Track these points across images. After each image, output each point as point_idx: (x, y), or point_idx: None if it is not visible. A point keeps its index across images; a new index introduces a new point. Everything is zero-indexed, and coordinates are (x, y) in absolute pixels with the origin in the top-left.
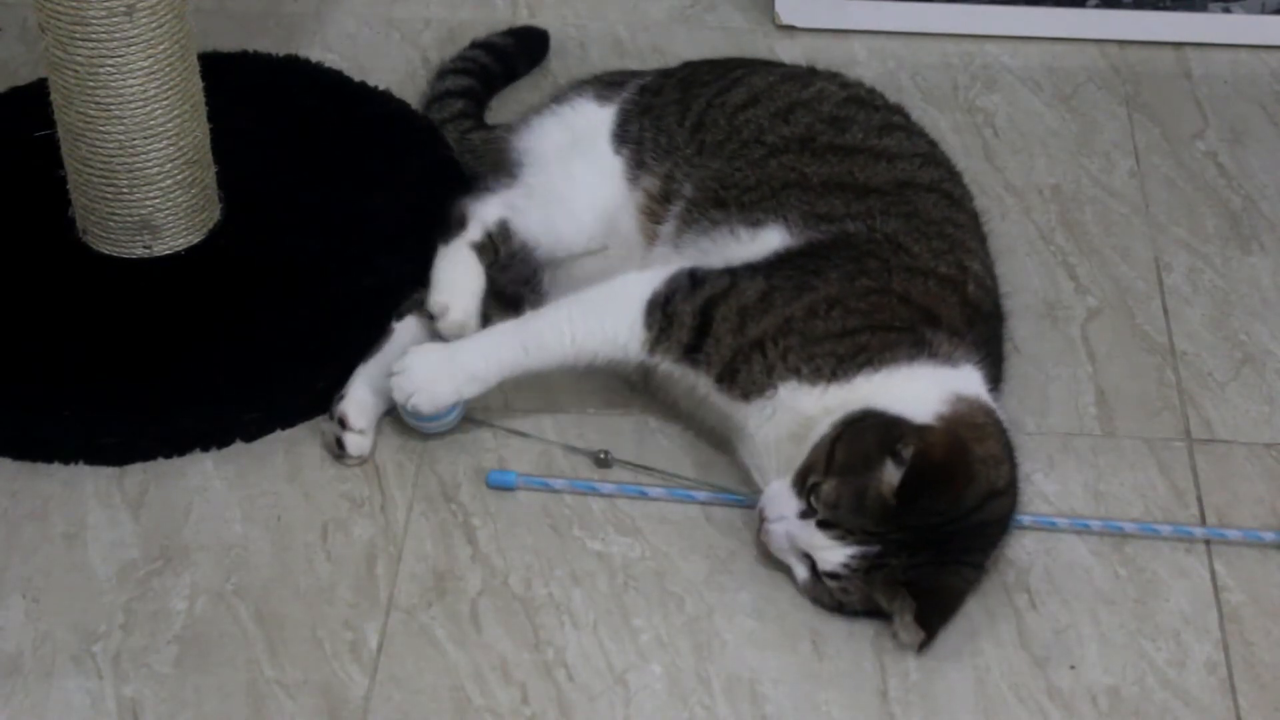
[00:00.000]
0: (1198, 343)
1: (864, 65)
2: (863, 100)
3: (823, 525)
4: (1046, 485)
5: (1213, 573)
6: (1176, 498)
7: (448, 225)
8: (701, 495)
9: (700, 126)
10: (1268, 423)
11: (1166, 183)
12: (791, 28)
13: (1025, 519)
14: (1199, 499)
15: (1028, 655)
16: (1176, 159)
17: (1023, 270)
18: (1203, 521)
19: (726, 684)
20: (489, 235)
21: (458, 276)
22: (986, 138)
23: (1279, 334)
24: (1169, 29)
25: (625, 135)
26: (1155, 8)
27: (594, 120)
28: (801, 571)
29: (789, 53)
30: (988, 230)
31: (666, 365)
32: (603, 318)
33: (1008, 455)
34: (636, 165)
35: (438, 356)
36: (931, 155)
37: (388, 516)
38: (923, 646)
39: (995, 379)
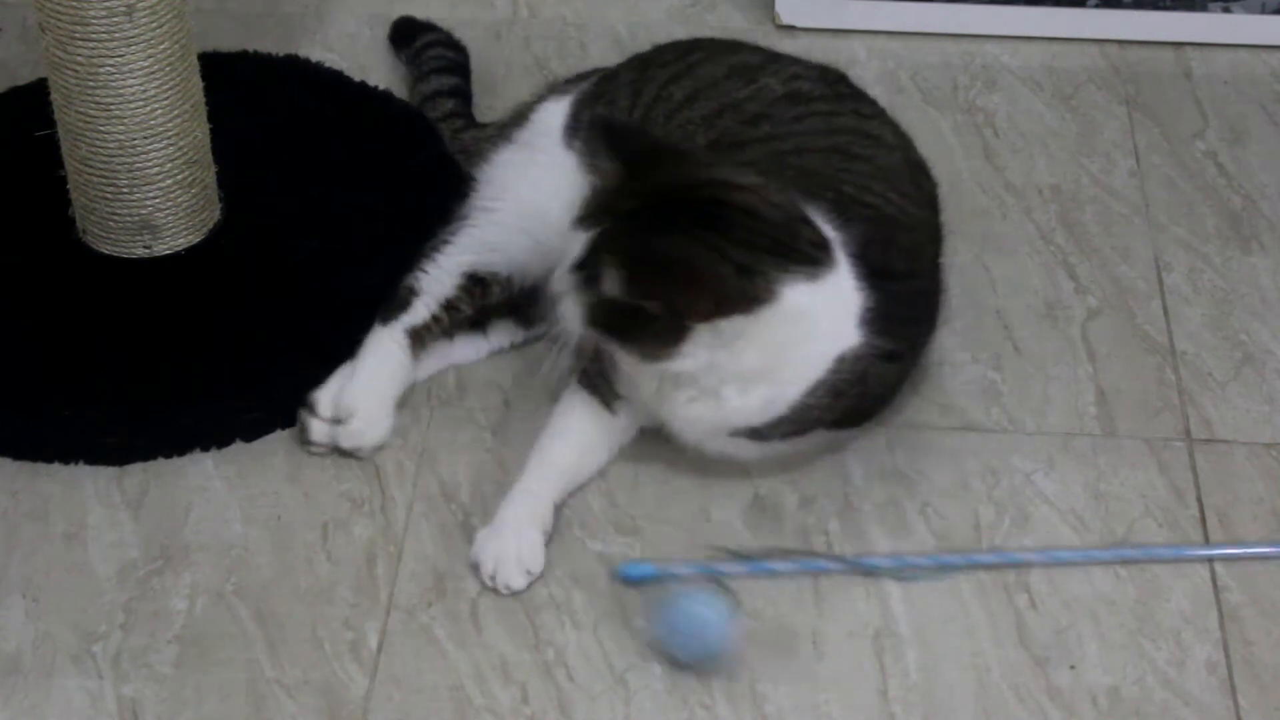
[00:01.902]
0: (1198, 343)
1: (864, 65)
2: (800, 95)
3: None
4: (1046, 485)
5: (1213, 573)
6: (1176, 498)
7: (390, 302)
8: (832, 564)
9: (646, 120)
10: (1268, 423)
11: (1166, 183)
12: (791, 27)
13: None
14: (1199, 499)
15: (1028, 655)
16: (1176, 159)
17: (1023, 270)
18: (1203, 522)
19: (726, 684)
20: (447, 303)
21: (376, 378)
22: (986, 138)
23: (1279, 334)
24: (1169, 29)
25: (576, 126)
26: (1155, 8)
27: (549, 118)
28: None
29: (789, 52)
30: (985, 230)
31: None
32: None
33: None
34: (590, 160)
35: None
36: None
37: (388, 516)
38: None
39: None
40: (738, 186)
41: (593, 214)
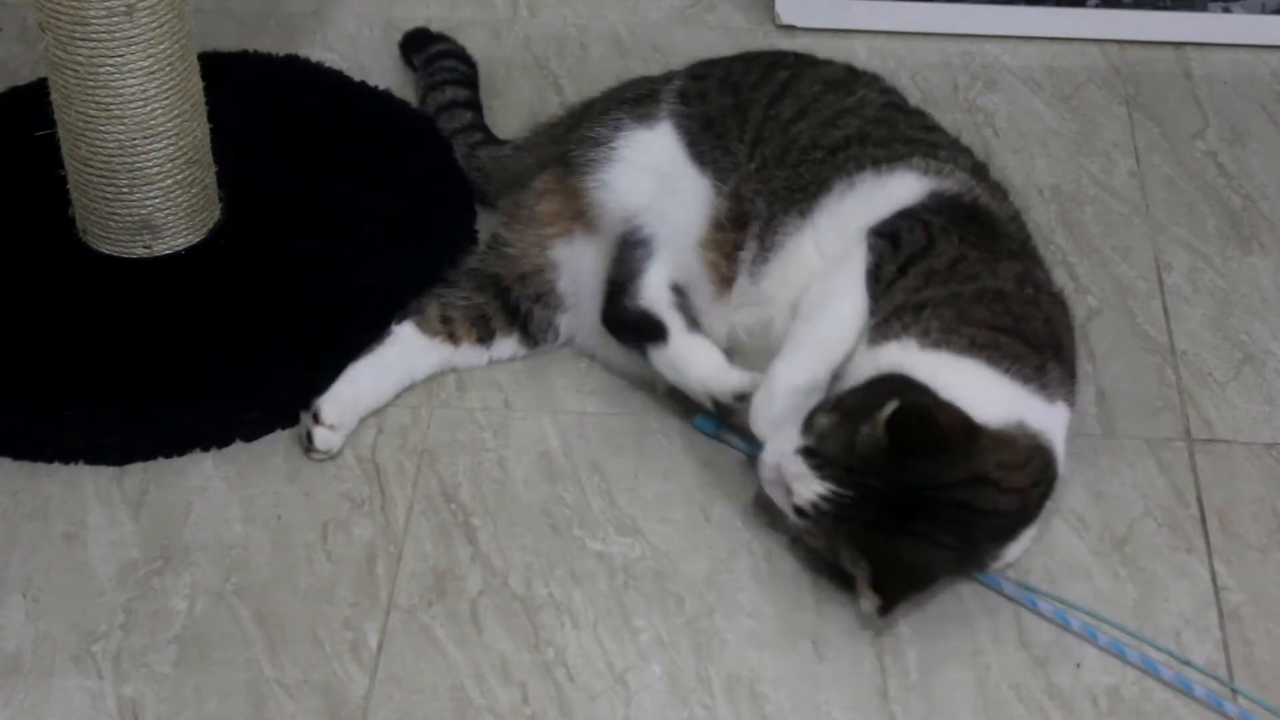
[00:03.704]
0: (1198, 342)
1: (864, 65)
2: (899, 106)
3: (805, 453)
4: None
5: (1213, 573)
6: (1176, 498)
7: (641, 326)
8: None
9: (759, 140)
10: (1268, 423)
11: (1166, 183)
12: (792, 27)
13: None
14: (1199, 499)
15: (1028, 655)
16: (1176, 159)
17: None
18: (1203, 522)
19: (726, 684)
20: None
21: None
22: (986, 138)
23: (1279, 334)
24: (1169, 29)
25: (703, 158)
26: (1155, 8)
27: (656, 146)
28: (785, 507)
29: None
30: None
31: None
32: (839, 312)
33: (1031, 479)
34: (715, 189)
35: (769, 397)
36: (973, 158)
37: (388, 516)
38: (882, 613)
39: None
40: (983, 481)
41: (835, 472)
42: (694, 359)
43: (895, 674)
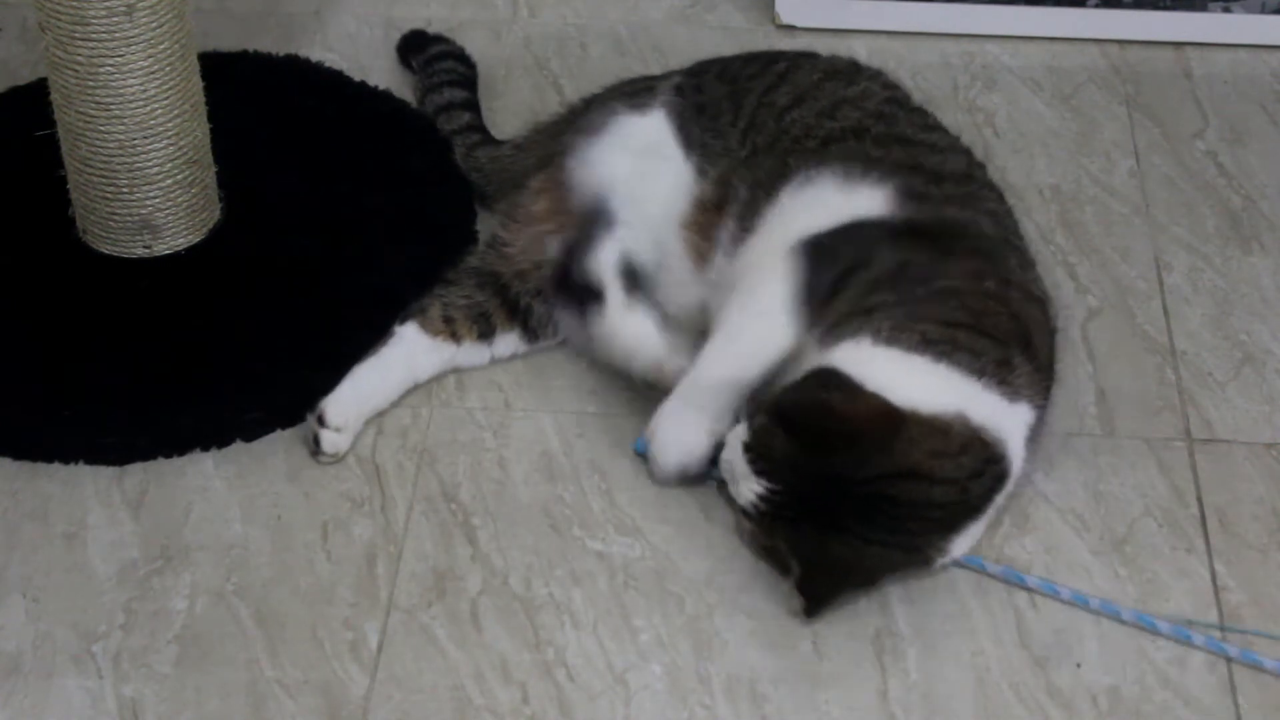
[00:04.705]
0: (1198, 342)
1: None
2: (902, 102)
3: (746, 449)
4: (1047, 485)
5: (1213, 573)
6: (1176, 498)
7: (584, 292)
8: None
9: (751, 127)
10: (1268, 422)
11: (1166, 182)
12: (792, 27)
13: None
14: (1199, 499)
15: (1028, 655)
16: (1176, 159)
17: None
18: (1203, 522)
19: (726, 684)
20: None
21: None
22: (986, 138)
23: (1279, 334)
24: (1169, 29)
25: (690, 141)
26: (1155, 8)
27: (647, 129)
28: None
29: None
30: None
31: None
32: (756, 334)
33: (968, 470)
34: (700, 172)
35: (674, 409)
36: (971, 159)
37: (388, 516)
38: (809, 614)
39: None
40: (906, 474)
41: (767, 467)
42: (627, 330)
43: (895, 674)
